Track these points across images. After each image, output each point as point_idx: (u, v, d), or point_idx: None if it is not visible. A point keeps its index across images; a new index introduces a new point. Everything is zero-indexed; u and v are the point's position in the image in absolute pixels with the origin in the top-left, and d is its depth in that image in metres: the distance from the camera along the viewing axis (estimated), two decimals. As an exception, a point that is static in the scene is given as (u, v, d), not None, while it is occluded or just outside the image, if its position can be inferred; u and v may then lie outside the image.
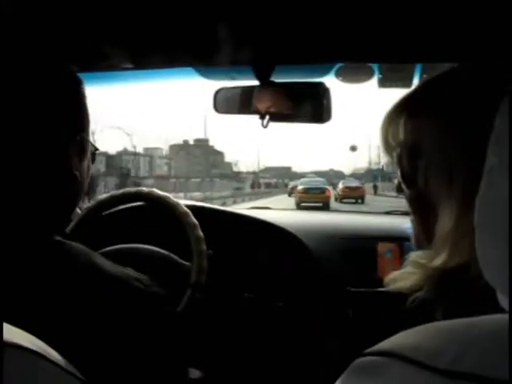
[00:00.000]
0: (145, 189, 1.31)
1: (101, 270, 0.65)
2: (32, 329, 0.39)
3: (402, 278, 0.66)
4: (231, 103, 1.19)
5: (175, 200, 1.23)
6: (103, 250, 1.08)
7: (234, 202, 25.12)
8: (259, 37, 1.01)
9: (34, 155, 0.62)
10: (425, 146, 0.64)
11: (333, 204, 23.98)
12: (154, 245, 1.18)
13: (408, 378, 0.31)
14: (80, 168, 0.70)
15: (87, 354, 0.56)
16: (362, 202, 25.92)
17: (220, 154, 69.57)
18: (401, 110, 0.70)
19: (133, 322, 0.66)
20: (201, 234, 1.15)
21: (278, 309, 1.39)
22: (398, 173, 0.70)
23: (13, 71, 0.61)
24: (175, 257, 1.15)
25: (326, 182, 32.55)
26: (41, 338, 0.39)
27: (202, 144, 66.21)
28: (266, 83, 1.11)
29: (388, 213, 1.96)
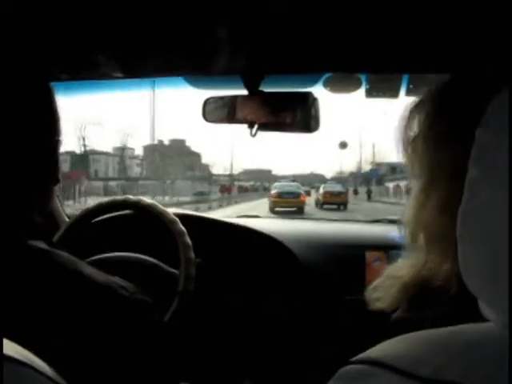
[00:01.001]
0: (132, 197, 1.31)
1: (87, 279, 0.65)
2: (18, 338, 0.39)
3: (379, 294, 0.66)
4: (220, 112, 1.20)
5: (162, 208, 1.23)
6: (90, 258, 1.07)
7: (197, 210, 22.42)
8: (248, 47, 1.02)
9: (9, 162, 0.61)
10: (439, 139, 0.63)
11: (313, 210, 23.26)
12: (141, 253, 1.17)
13: None
14: (50, 168, 0.69)
15: (74, 363, 0.56)
16: (345, 208, 24.61)
17: (197, 155, 66.38)
18: (419, 105, 0.70)
19: (119, 330, 0.65)
20: (189, 241, 1.15)
21: (266, 317, 1.38)
22: (408, 165, 0.69)
23: None
24: (163, 265, 1.15)
25: (308, 185, 31.38)
26: (27, 347, 0.39)
27: (178, 145, 62.96)
28: (254, 93, 1.11)
29: (376, 221, 1.97)
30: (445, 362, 0.30)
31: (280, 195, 22.57)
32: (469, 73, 0.69)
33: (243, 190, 44.67)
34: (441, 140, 0.62)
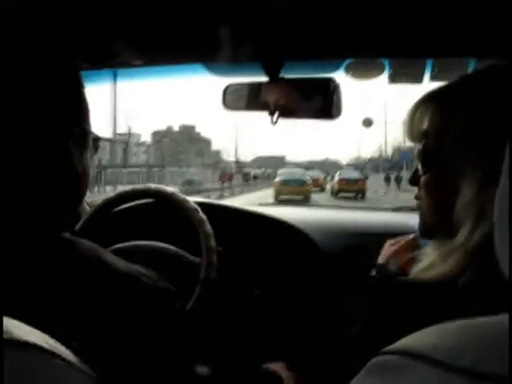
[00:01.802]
0: (153, 185, 1.31)
1: (110, 267, 0.65)
2: (42, 326, 0.39)
3: (434, 264, 0.67)
4: (240, 99, 1.19)
5: (183, 196, 1.23)
6: (113, 247, 1.08)
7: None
8: (268, 33, 1.01)
9: (33, 151, 0.62)
10: (453, 130, 0.68)
11: (326, 199, 21.55)
12: (163, 241, 1.18)
13: (427, 377, 0.30)
14: (82, 161, 0.70)
15: (97, 351, 0.57)
16: (363, 198, 22.49)
17: (206, 141, 64.24)
18: (432, 98, 0.75)
19: (142, 317, 0.66)
20: (209, 229, 1.15)
21: (287, 306, 1.38)
22: (418, 158, 0.74)
23: (8, 64, 0.60)
24: (185, 253, 1.15)
25: (322, 172, 29.27)
26: (51, 335, 0.39)
27: (187, 131, 60.61)
28: (275, 79, 1.10)
29: (397, 209, 1.95)
30: (483, 352, 0.29)
31: (284, 183, 21.42)
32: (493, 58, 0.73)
33: (248, 178, 39.73)
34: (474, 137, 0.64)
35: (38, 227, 0.61)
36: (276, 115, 1.11)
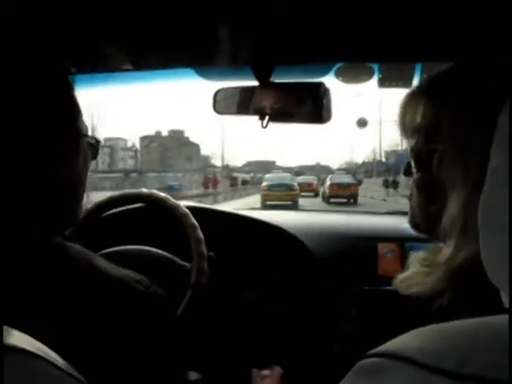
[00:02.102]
0: (145, 190, 1.31)
1: (101, 272, 0.65)
2: (33, 331, 0.39)
3: (415, 281, 0.66)
4: (230, 104, 1.19)
5: (174, 201, 1.23)
6: (103, 251, 1.08)
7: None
8: (258, 37, 1.01)
9: (25, 155, 0.61)
10: (443, 130, 0.65)
11: (317, 205, 20.64)
12: (154, 246, 1.17)
13: (413, 379, 0.30)
14: (75, 164, 0.69)
15: (88, 356, 0.56)
16: (355, 203, 21.79)
17: (195, 146, 62.47)
18: (421, 93, 0.71)
19: (133, 323, 0.65)
20: (201, 235, 1.14)
21: (279, 310, 1.38)
22: (411, 155, 0.71)
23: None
24: (175, 258, 1.15)
25: (315, 177, 28.19)
26: (41, 340, 0.39)
27: (176, 136, 58.94)
28: (265, 83, 1.10)
29: (388, 213, 1.96)
30: (468, 354, 0.30)
31: (271, 188, 20.83)
32: (472, 61, 0.69)
33: (236, 183, 37.57)
34: (462, 135, 0.62)
35: (28, 232, 0.61)
36: (266, 119, 1.11)
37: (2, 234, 0.57)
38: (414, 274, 0.68)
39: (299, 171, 41.06)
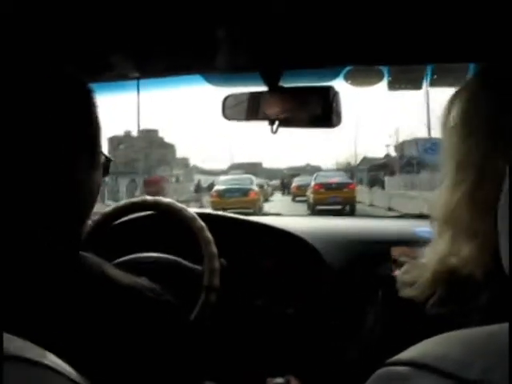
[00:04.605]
0: (149, 197, 1.31)
1: (115, 281, 0.64)
2: (45, 342, 0.39)
3: (410, 279, 0.65)
4: (240, 110, 1.19)
5: (181, 205, 1.23)
6: (116, 261, 1.08)
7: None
8: (267, 42, 1.01)
9: (44, 169, 0.62)
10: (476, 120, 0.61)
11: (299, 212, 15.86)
12: (164, 252, 1.17)
13: None
14: (91, 180, 0.70)
15: (101, 367, 0.56)
16: (352, 213, 15.86)
17: (170, 147, 55.89)
18: (462, 90, 0.67)
19: (147, 332, 0.65)
20: (209, 236, 1.15)
21: (291, 316, 1.37)
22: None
23: (21, 82, 0.61)
24: (187, 262, 1.15)
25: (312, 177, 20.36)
26: (54, 351, 0.38)
27: (149, 136, 53.02)
28: (274, 88, 1.10)
29: (401, 216, 1.95)
30: (492, 363, 0.29)
31: (221, 195, 16.78)
32: (500, 62, 0.67)
33: (200, 190, 29.22)
34: (470, 131, 0.61)
35: (45, 243, 0.61)
36: (276, 124, 1.11)
37: (17, 244, 0.58)
38: (409, 271, 0.67)
39: (295, 173, 38.60)
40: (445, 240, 0.61)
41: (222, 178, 21.16)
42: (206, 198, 19.28)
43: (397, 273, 0.70)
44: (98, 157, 0.71)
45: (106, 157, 0.76)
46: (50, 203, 0.63)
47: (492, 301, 0.52)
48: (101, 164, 0.73)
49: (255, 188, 17.64)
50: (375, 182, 26.81)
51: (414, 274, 0.65)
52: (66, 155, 0.64)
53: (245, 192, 16.73)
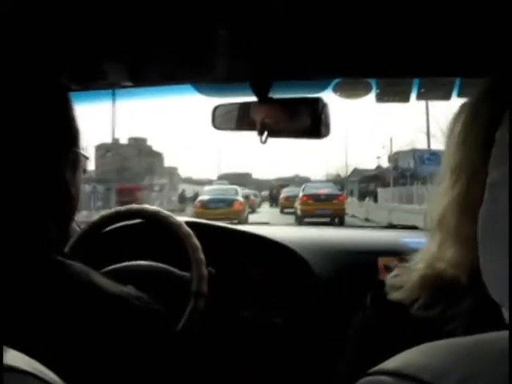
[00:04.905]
0: (135, 206, 1.31)
1: (101, 290, 0.64)
2: (31, 350, 0.38)
3: (399, 283, 0.66)
4: (229, 119, 1.20)
5: (167, 213, 1.24)
6: (104, 269, 1.07)
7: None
8: (257, 53, 1.02)
9: (26, 175, 0.62)
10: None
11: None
12: (151, 260, 1.17)
13: None
14: (74, 183, 0.70)
15: (87, 376, 0.55)
16: (341, 223, 15.38)
17: (158, 155, 54.67)
18: (461, 110, 0.67)
19: (134, 341, 0.65)
20: (197, 242, 1.14)
21: (278, 326, 1.37)
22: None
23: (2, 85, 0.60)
24: (174, 269, 1.15)
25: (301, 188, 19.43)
26: (40, 359, 0.38)
27: (137, 144, 52.13)
28: (264, 99, 1.11)
29: (389, 227, 1.96)
30: (472, 373, 0.29)
31: (205, 205, 16.16)
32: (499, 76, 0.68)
33: (184, 200, 28.52)
34: (465, 138, 0.62)
35: (29, 248, 0.61)
36: (265, 135, 1.12)
37: (5, 247, 0.57)
38: (398, 275, 0.68)
39: (284, 184, 37.79)
40: (434, 244, 0.62)
41: (207, 188, 20.45)
42: (191, 209, 18.91)
43: (387, 277, 0.71)
44: (79, 156, 0.71)
45: (84, 155, 0.76)
46: (39, 204, 0.63)
47: (475, 305, 0.52)
48: (82, 164, 0.73)
49: (240, 199, 17.11)
50: (367, 194, 26.18)
51: (403, 278, 0.65)
52: (51, 156, 0.64)
53: (229, 203, 16.27)
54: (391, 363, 0.35)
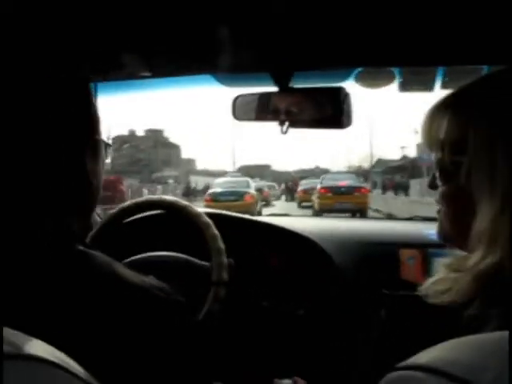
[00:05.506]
0: (153, 196, 1.32)
1: (124, 280, 0.64)
2: (53, 340, 0.39)
3: (443, 287, 0.64)
4: (250, 110, 1.19)
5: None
6: (125, 260, 1.08)
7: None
8: (278, 43, 1.01)
9: (49, 165, 0.62)
10: (470, 143, 0.62)
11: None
12: (170, 250, 1.18)
13: None
14: (95, 172, 0.70)
15: (109, 366, 0.56)
16: (363, 214, 14.07)
17: (175, 147, 52.26)
18: (447, 105, 0.69)
19: (156, 332, 0.65)
20: (216, 232, 1.15)
21: (301, 317, 1.37)
22: (437, 168, 0.70)
23: (21, 77, 0.61)
24: (195, 259, 1.15)
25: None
26: (62, 349, 0.38)
27: (154, 136, 50.26)
28: (285, 89, 1.10)
29: (410, 218, 1.93)
30: (504, 369, 0.28)
31: (215, 198, 15.55)
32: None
33: (190, 193, 27.44)
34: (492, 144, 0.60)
35: (52, 238, 0.61)
36: (286, 125, 1.11)
37: (23, 241, 0.58)
38: (441, 280, 0.66)
39: (302, 176, 36.68)
40: (481, 249, 0.60)
41: (218, 180, 19.85)
42: (198, 202, 18.37)
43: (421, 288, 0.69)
44: (100, 147, 0.72)
45: (106, 143, 0.76)
46: (62, 194, 0.63)
47: None
48: (103, 153, 0.73)
49: (251, 191, 16.59)
50: (398, 187, 23.74)
51: (448, 283, 0.64)
52: (73, 144, 0.65)
53: (240, 195, 15.75)
54: (420, 358, 0.34)
